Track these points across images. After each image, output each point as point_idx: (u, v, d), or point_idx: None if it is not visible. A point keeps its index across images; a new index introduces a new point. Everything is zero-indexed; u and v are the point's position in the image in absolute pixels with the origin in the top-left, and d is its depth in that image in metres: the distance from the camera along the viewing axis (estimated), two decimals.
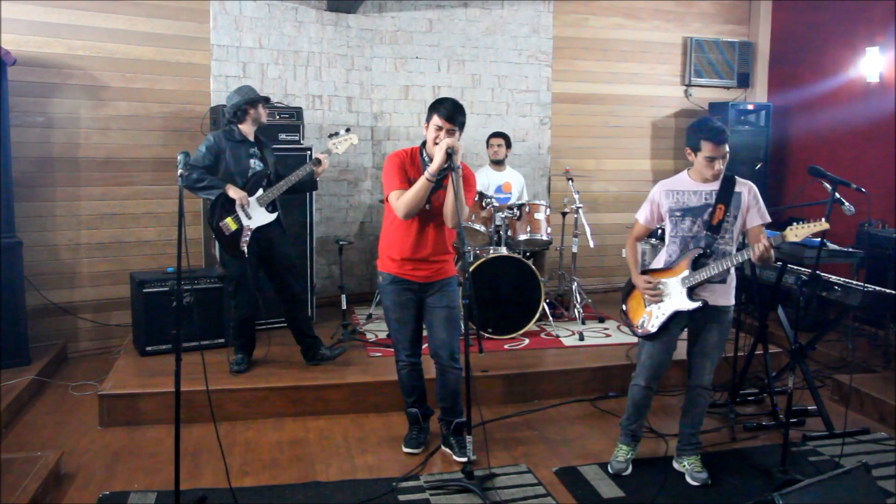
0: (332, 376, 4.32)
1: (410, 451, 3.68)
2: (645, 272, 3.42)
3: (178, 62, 5.41)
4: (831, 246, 4.09)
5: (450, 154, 3.20)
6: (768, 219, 3.25)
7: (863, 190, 3.56)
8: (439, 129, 3.31)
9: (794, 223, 3.00)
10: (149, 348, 4.63)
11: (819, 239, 3.54)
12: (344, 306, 5.08)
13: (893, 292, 4.00)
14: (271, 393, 4.16)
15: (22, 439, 3.82)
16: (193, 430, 3.81)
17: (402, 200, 3.30)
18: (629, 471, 3.47)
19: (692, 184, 3.29)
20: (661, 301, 3.32)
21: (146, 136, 5.33)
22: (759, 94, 7.02)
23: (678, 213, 3.29)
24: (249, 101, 4.26)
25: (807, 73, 6.50)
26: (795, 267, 4.25)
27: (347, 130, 4.41)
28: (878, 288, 4.01)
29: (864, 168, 5.77)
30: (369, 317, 5.61)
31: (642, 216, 3.44)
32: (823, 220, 2.98)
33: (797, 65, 6.64)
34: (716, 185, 3.23)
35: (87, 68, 5.14)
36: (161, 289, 4.67)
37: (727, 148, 3.17)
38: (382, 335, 5.13)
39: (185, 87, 5.44)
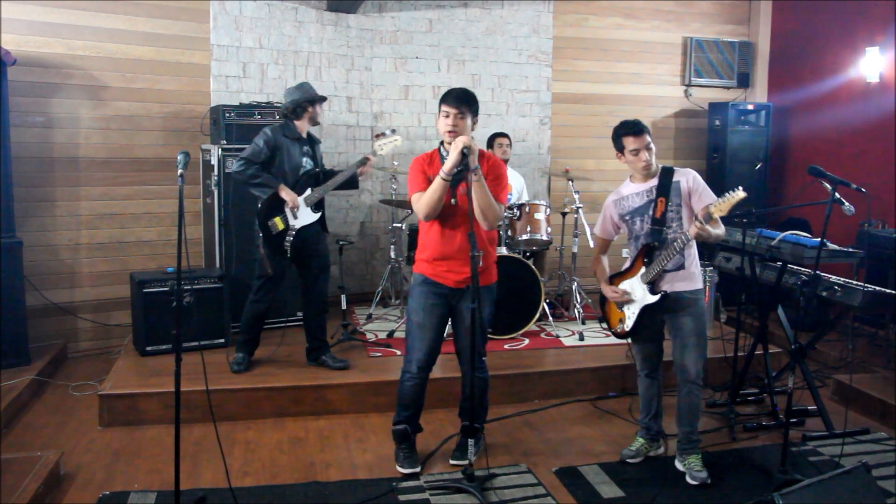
0: (332, 376, 4.32)
1: (409, 470, 3.43)
2: (613, 276, 3.56)
3: (178, 62, 5.41)
4: (831, 246, 4.08)
5: (465, 154, 3.06)
6: (715, 198, 3.19)
7: (863, 190, 3.56)
8: (447, 115, 3.21)
9: (718, 199, 3.08)
10: (149, 348, 4.63)
11: (819, 239, 3.53)
12: (344, 306, 5.08)
13: (893, 292, 3.99)
14: (271, 393, 4.15)
15: (22, 439, 3.82)
16: (193, 430, 3.81)
17: (421, 202, 3.22)
18: (636, 460, 3.59)
19: (634, 187, 3.45)
20: (633, 301, 3.45)
21: (146, 136, 5.33)
22: (759, 94, 7.02)
23: (628, 217, 3.45)
24: (311, 99, 4.26)
25: (807, 73, 6.50)
26: (795, 267, 4.25)
27: (393, 132, 4.39)
28: (878, 288, 4.00)
29: (864, 168, 5.77)
30: (369, 317, 5.61)
31: (599, 229, 3.61)
32: (740, 188, 3.02)
33: (797, 65, 6.64)
34: (655, 182, 3.36)
35: (87, 68, 5.14)
36: (161, 289, 4.67)
37: (649, 138, 3.32)
38: (382, 335, 5.14)
39: (185, 87, 5.44)
